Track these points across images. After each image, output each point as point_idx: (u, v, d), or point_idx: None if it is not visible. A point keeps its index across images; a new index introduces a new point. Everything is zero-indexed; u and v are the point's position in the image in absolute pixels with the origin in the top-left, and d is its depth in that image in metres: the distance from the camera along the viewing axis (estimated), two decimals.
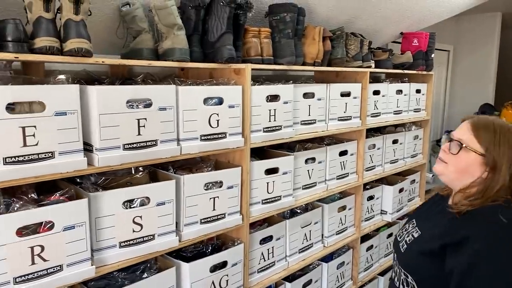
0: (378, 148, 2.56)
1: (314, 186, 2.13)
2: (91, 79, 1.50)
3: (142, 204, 1.42)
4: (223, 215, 1.67)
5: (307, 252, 2.16)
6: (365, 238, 2.59)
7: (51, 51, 1.14)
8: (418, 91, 2.85)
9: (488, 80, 4.87)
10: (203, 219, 1.60)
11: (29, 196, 1.27)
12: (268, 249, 1.94)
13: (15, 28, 1.08)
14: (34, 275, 1.16)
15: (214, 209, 1.63)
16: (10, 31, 1.07)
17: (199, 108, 1.53)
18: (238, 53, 1.63)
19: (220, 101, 1.60)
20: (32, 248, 1.15)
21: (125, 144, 1.32)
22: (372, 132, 2.65)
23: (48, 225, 1.19)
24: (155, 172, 1.60)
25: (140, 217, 1.40)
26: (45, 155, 1.15)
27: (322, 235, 2.27)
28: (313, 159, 2.11)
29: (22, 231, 1.14)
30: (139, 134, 1.36)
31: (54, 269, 1.20)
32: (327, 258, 2.34)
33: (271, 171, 1.87)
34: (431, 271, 1.14)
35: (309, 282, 2.21)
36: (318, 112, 2.09)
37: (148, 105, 1.38)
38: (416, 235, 1.23)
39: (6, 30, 1.07)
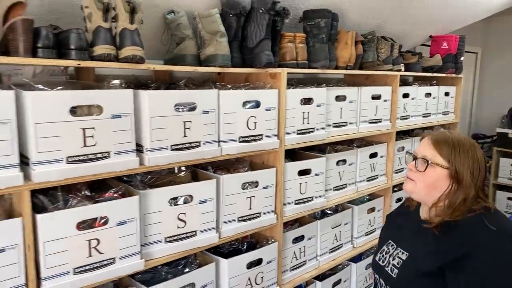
0: (407, 151, 2.58)
1: (345, 188, 2.18)
2: (139, 84, 1.59)
3: (186, 202, 1.50)
4: (258, 214, 1.73)
5: (337, 252, 2.21)
6: None
7: (108, 58, 1.23)
8: (446, 94, 2.86)
9: None
10: (240, 217, 1.67)
11: (83, 193, 1.36)
12: (300, 248, 1.99)
13: (78, 38, 1.17)
14: (90, 267, 1.25)
15: (250, 208, 1.70)
16: (74, 40, 1.16)
17: (238, 111, 1.60)
18: (275, 58, 1.69)
19: (257, 104, 1.67)
20: (89, 241, 1.24)
21: (172, 145, 1.40)
22: (401, 134, 2.67)
23: (103, 220, 1.28)
24: (195, 171, 1.68)
25: (184, 214, 1.48)
26: (102, 154, 1.23)
27: (352, 236, 2.31)
28: (344, 161, 2.15)
29: (80, 225, 1.23)
30: (184, 135, 1.43)
31: (108, 261, 1.28)
32: (356, 259, 2.38)
33: (303, 172, 1.92)
34: None
35: (339, 281, 2.25)
36: (349, 115, 2.13)
37: (193, 108, 1.46)
38: (404, 257, 1.21)
39: (69, 39, 1.16)
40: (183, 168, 1.62)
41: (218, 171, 1.71)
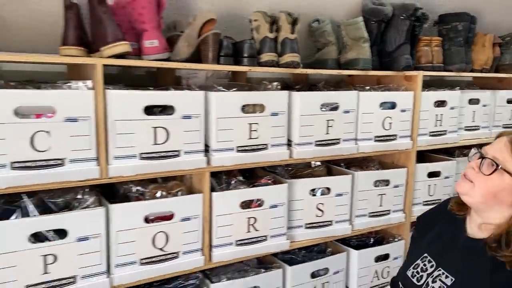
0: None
1: None
2: (285, 86, 1.78)
3: (323, 193, 1.65)
4: (388, 212, 1.81)
5: None
6: None
7: (271, 64, 1.43)
8: None
9: None
10: (371, 213, 1.77)
11: (237, 178, 1.58)
12: None
13: (250, 47, 1.39)
14: (249, 241, 1.46)
15: (381, 205, 1.79)
16: (247, 49, 1.38)
17: (375, 112, 1.69)
18: (413, 61, 1.75)
19: (392, 106, 1.75)
20: (248, 219, 1.46)
21: (317, 141, 1.56)
22: None
23: (258, 202, 1.49)
24: (329, 167, 1.82)
25: (322, 204, 1.63)
26: (262, 146, 1.44)
27: None
28: None
29: (242, 205, 1.45)
30: (327, 133, 1.58)
31: (262, 238, 1.49)
32: None
33: (433, 174, 1.94)
34: None
35: None
36: (482, 119, 2.08)
37: (335, 108, 1.60)
38: (449, 282, 1.01)
39: (243, 48, 1.38)
40: (318, 163, 1.78)
41: (351, 167, 1.83)
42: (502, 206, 0.97)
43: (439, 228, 1.12)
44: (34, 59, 1.18)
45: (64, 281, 1.17)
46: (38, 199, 1.19)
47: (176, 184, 1.43)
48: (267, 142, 1.45)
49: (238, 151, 1.40)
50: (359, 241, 1.90)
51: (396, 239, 1.89)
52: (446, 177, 1.97)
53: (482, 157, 0.99)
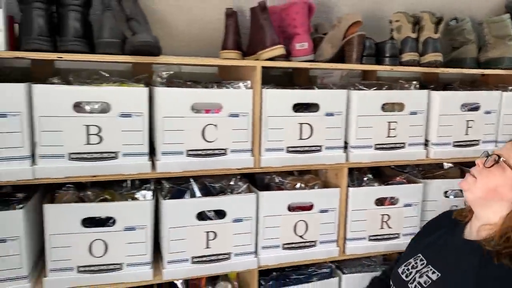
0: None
1: None
2: (420, 85, 1.77)
3: (456, 196, 1.61)
4: None
5: None
6: None
7: (412, 63, 1.44)
8: None
9: None
10: None
11: (368, 175, 1.62)
12: None
13: (392, 47, 1.42)
14: (382, 237, 1.50)
15: None
16: (389, 49, 1.42)
17: None
18: None
19: None
20: (382, 215, 1.49)
21: (455, 142, 1.53)
22: None
23: (392, 200, 1.51)
24: (461, 169, 1.76)
25: (456, 206, 1.59)
26: (400, 145, 1.46)
27: None
28: None
29: (376, 202, 1.49)
30: (466, 134, 1.54)
31: (395, 236, 1.51)
32: None
33: None
34: None
35: None
36: None
37: (475, 108, 1.55)
38: (434, 277, 1.01)
39: (385, 48, 1.42)
40: (450, 165, 1.73)
41: None
42: (502, 203, 0.99)
43: (439, 233, 1.14)
44: (209, 62, 1.34)
45: (221, 257, 1.33)
46: (201, 183, 1.38)
47: (312, 177, 1.52)
48: (405, 141, 1.47)
49: (376, 148, 1.44)
50: None
51: None
52: None
53: (488, 155, 1.04)
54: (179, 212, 1.27)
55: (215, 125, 1.26)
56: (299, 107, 1.37)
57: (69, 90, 1.14)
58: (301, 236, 1.41)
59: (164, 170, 1.24)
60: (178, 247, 1.28)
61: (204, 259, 1.31)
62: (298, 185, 1.47)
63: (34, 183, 1.15)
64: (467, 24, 1.64)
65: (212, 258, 1.32)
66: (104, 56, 1.17)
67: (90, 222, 1.23)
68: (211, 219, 1.32)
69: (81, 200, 1.28)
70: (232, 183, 1.41)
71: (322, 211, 1.42)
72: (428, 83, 1.84)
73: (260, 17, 1.29)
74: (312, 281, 1.49)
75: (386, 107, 1.44)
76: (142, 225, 1.25)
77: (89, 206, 1.22)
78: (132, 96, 1.19)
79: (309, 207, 1.42)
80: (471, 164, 1.11)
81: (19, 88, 1.08)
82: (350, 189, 1.45)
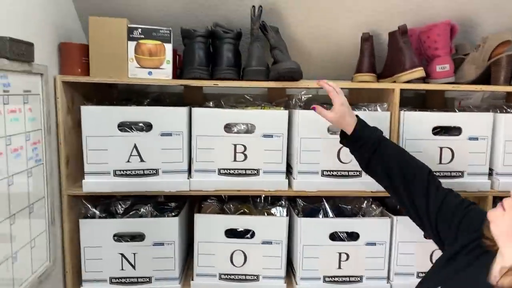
0: None
1: None
2: None
3: None
4: None
5: None
6: None
7: None
8: None
9: None
10: None
11: None
12: None
13: None
14: None
15: None
16: None
17: None
18: None
19: None
20: None
21: None
22: None
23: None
24: None
25: None
26: None
27: None
28: None
29: None
30: None
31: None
32: None
33: None
34: None
35: None
36: None
37: None
38: None
39: None
40: None
41: None
42: None
43: (463, 261, 0.91)
44: (347, 85, 1.40)
45: (353, 279, 1.33)
46: (333, 204, 1.40)
47: None
48: None
49: None
50: None
51: None
52: None
53: None
54: (313, 230, 1.31)
55: None
56: (439, 130, 1.33)
57: (222, 112, 1.27)
58: None
59: (299, 188, 1.30)
60: (310, 264, 1.32)
61: (335, 279, 1.32)
62: None
63: (189, 194, 1.30)
64: None
65: (344, 279, 1.32)
66: (251, 82, 1.28)
67: (230, 233, 1.33)
68: (343, 240, 1.33)
69: (223, 212, 1.41)
70: (364, 205, 1.41)
71: None
72: None
73: (400, 40, 1.29)
74: None
75: None
76: (278, 240, 1.32)
77: (232, 218, 1.33)
78: (274, 119, 1.28)
79: None
80: None
81: (182, 111, 1.25)
82: None
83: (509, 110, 1.34)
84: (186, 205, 1.45)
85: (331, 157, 1.29)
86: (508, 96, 1.64)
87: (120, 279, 1.30)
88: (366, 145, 1.10)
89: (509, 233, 0.82)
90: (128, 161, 1.24)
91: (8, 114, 0.95)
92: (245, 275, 1.33)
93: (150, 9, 1.38)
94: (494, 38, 1.31)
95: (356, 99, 1.60)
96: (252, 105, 1.38)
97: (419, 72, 1.27)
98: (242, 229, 1.34)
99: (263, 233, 1.31)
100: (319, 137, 1.28)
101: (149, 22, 1.41)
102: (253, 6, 1.29)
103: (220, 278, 1.33)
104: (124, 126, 1.24)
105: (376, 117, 1.29)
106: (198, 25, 1.42)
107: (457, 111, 1.35)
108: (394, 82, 1.34)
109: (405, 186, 1.05)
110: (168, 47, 1.25)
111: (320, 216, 1.35)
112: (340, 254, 1.32)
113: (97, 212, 1.32)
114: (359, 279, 1.33)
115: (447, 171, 1.31)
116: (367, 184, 1.30)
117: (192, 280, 1.33)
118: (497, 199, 1.42)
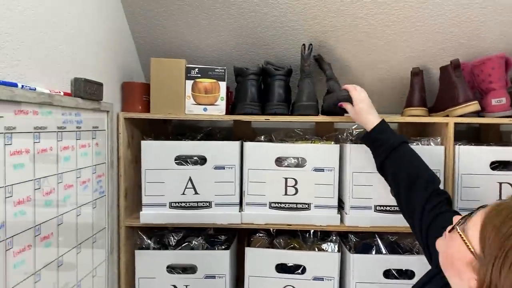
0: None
1: None
2: None
3: None
4: None
5: None
6: None
7: None
8: None
9: None
10: None
11: None
12: None
13: None
14: None
15: None
16: None
17: None
18: None
19: None
20: None
21: None
22: None
23: None
24: None
25: None
26: None
27: None
28: None
29: None
30: None
31: None
32: None
33: None
34: None
35: None
36: None
37: None
38: None
39: None
40: None
41: None
42: (461, 283, 0.68)
43: (438, 284, 0.82)
44: (399, 119, 1.36)
45: None
46: (386, 240, 1.37)
47: None
48: None
49: None
50: None
51: None
52: None
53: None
54: (367, 267, 1.28)
55: None
56: (496, 165, 1.28)
57: (273, 146, 1.30)
58: None
59: (352, 224, 1.28)
60: None
61: None
62: None
63: (240, 227, 1.31)
64: None
65: None
66: (302, 117, 1.31)
67: (281, 268, 1.32)
68: (397, 277, 1.29)
69: (272, 246, 1.40)
70: (417, 242, 1.36)
71: None
72: None
73: (452, 75, 1.29)
74: None
75: None
76: (330, 276, 1.29)
77: (283, 253, 1.32)
78: (325, 152, 1.29)
79: None
80: None
81: (235, 145, 1.29)
82: None
83: None
84: (236, 238, 1.46)
85: (385, 192, 1.27)
86: None
87: None
88: (381, 147, 1.10)
89: (443, 264, 0.74)
90: (183, 193, 1.28)
91: (80, 148, 1.03)
92: None
93: (205, 49, 1.47)
94: None
95: (406, 133, 1.59)
96: (302, 139, 1.40)
97: (474, 106, 1.25)
98: (293, 264, 1.33)
99: (315, 269, 1.29)
100: (372, 171, 1.27)
101: (204, 61, 1.49)
102: (304, 44, 1.34)
103: None
104: (180, 160, 1.29)
105: (430, 151, 1.27)
106: (250, 63, 1.49)
107: None
108: (447, 116, 1.32)
109: (407, 198, 1.02)
110: (223, 85, 1.31)
111: (373, 252, 1.32)
112: None
113: (152, 244, 1.36)
114: None
115: None
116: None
117: None
118: None
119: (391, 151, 1.09)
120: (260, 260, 1.31)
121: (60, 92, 0.93)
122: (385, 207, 1.27)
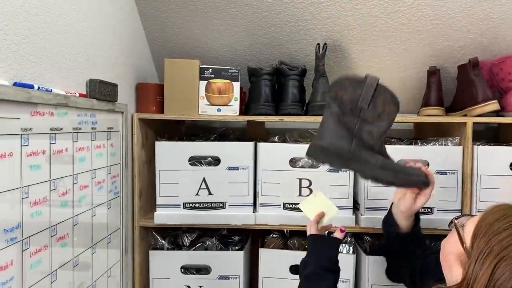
0: None
1: None
2: None
3: None
4: None
5: None
6: None
7: None
8: None
9: None
10: None
11: None
12: None
13: None
14: None
15: None
16: None
17: None
18: None
19: None
20: None
21: None
22: None
23: None
24: None
25: None
26: None
27: None
28: None
29: None
30: None
31: None
32: None
33: None
34: None
35: None
36: None
37: None
38: None
39: None
40: None
41: None
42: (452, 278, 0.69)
43: None
44: (416, 119, 1.37)
45: None
46: None
47: None
48: None
49: None
50: None
51: None
52: None
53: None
54: (382, 269, 1.25)
55: None
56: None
57: (287, 147, 1.29)
58: None
59: (367, 225, 1.27)
60: None
61: None
62: None
63: (253, 228, 1.31)
64: None
65: None
66: (316, 117, 1.29)
67: (295, 269, 1.31)
68: None
69: (286, 247, 1.39)
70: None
71: None
72: None
73: (471, 73, 1.26)
74: None
75: None
76: (345, 278, 1.27)
77: (297, 254, 1.31)
78: None
79: None
80: None
81: (249, 146, 1.29)
82: None
83: None
84: (250, 239, 1.45)
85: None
86: None
87: None
88: (419, 246, 1.05)
89: (444, 256, 0.74)
90: (197, 194, 1.28)
91: (95, 149, 1.03)
92: None
93: (218, 49, 1.46)
94: None
95: (422, 133, 1.56)
96: None
97: (493, 105, 1.22)
98: None
99: None
100: None
101: (217, 62, 1.49)
102: (318, 44, 1.33)
103: None
104: (194, 160, 1.29)
105: (447, 152, 1.24)
106: (263, 63, 1.48)
107: None
108: (465, 115, 1.29)
109: None
110: (236, 85, 1.30)
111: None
112: None
113: (166, 244, 1.36)
114: None
115: None
116: (437, 221, 1.24)
117: None
118: None
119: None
120: (274, 261, 1.30)
121: (75, 93, 0.93)
122: None
